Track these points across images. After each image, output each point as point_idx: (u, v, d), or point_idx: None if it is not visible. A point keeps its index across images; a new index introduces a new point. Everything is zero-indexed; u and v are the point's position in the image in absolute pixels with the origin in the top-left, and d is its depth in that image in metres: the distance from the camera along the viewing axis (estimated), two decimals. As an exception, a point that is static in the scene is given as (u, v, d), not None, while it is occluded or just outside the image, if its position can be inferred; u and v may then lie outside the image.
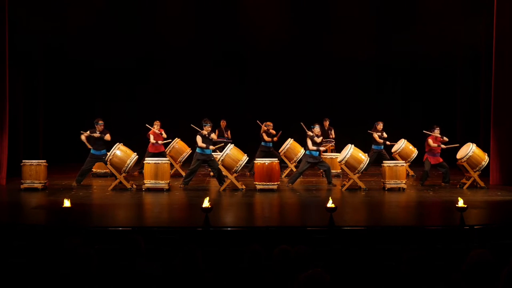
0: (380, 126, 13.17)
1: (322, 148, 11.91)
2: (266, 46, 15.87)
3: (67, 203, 7.48)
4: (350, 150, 11.36)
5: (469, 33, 14.05)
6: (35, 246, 6.60)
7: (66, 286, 3.97)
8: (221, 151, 11.58)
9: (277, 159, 11.60)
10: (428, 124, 16.54)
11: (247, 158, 11.36)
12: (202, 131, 11.39)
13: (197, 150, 11.47)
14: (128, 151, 11.45)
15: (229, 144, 11.66)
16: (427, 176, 11.85)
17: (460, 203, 7.62)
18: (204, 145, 11.32)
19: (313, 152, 11.64)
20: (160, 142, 13.24)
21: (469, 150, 11.43)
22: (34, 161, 11.19)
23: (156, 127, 13.34)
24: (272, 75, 16.39)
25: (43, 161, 11.28)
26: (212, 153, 11.50)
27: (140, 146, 13.06)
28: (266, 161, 11.24)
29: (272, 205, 9.88)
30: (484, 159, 11.41)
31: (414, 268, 3.95)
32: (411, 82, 16.84)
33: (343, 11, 15.68)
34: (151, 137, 13.14)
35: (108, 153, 11.31)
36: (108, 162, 11.32)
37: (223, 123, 14.64)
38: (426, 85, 16.69)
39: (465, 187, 11.41)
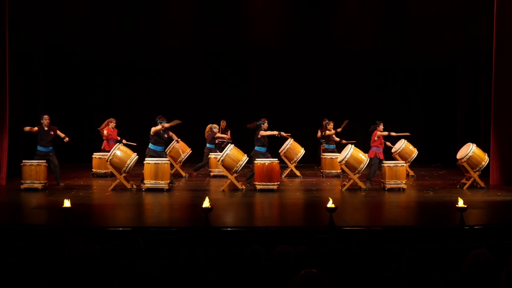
0: (330, 125, 13.74)
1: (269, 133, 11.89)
2: (266, 46, 15.90)
3: (67, 203, 7.48)
4: (350, 151, 11.36)
5: (469, 33, 14.05)
6: (35, 246, 6.60)
7: (68, 285, 3.97)
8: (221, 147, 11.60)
9: (277, 159, 11.59)
10: (428, 124, 16.64)
11: (247, 158, 11.36)
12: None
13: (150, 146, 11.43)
14: (128, 151, 11.46)
15: (229, 144, 11.67)
16: (375, 171, 11.88)
17: (460, 203, 7.63)
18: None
19: (259, 148, 11.69)
20: (110, 138, 13.29)
21: (469, 150, 11.42)
22: (34, 161, 11.19)
23: (111, 125, 13.36)
24: (272, 75, 16.39)
25: (43, 161, 11.28)
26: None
27: (141, 146, 13.04)
28: (266, 161, 11.24)
29: (272, 205, 9.88)
30: (484, 159, 11.40)
31: (414, 268, 3.95)
32: (411, 82, 16.85)
33: (343, 11, 15.69)
34: (105, 132, 13.22)
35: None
36: (108, 162, 11.34)
37: (223, 123, 14.63)
38: (426, 85, 16.70)
39: (465, 187, 11.41)
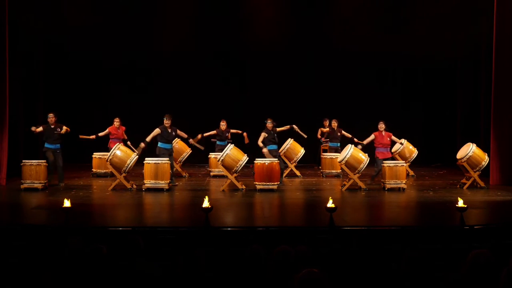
0: (334, 124, 13.92)
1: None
2: (267, 46, 15.89)
3: (67, 203, 7.48)
4: (350, 150, 11.36)
5: (469, 33, 14.05)
6: (35, 246, 6.59)
7: (68, 285, 3.97)
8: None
9: (277, 159, 11.59)
10: (428, 124, 16.64)
11: (247, 158, 11.37)
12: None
13: (159, 144, 11.59)
14: (128, 151, 11.47)
15: (229, 144, 11.67)
16: (378, 173, 11.95)
17: (460, 203, 7.63)
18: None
19: (269, 147, 11.70)
20: (115, 137, 13.30)
21: (469, 150, 11.42)
22: (34, 161, 11.19)
23: (116, 124, 13.40)
24: (272, 75, 16.39)
25: (43, 161, 11.29)
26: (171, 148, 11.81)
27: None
28: (266, 161, 11.24)
29: (272, 205, 9.87)
30: (484, 159, 11.40)
31: (414, 268, 3.95)
32: (412, 82, 16.85)
33: (343, 11, 15.68)
34: (108, 131, 13.30)
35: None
36: (108, 162, 11.35)
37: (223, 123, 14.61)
38: (426, 85, 16.70)
39: (465, 187, 11.41)
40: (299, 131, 12.89)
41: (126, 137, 13.39)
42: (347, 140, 13.63)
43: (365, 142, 12.05)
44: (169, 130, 11.67)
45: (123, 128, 13.64)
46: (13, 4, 12.06)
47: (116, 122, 13.50)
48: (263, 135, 11.72)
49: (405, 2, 15.49)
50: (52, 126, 11.64)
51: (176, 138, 13.69)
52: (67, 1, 14.70)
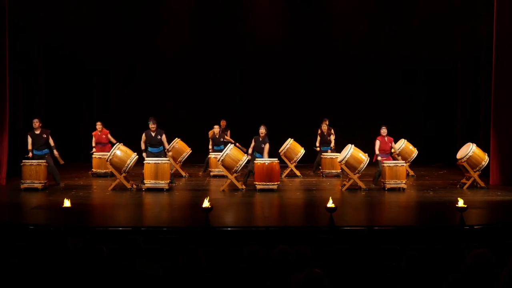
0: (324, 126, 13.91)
1: None
2: (266, 46, 15.89)
3: (67, 203, 7.49)
4: (350, 150, 11.37)
5: (469, 33, 14.05)
6: (35, 246, 6.60)
7: (67, 285, 3.97)
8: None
9: (277, 159, 11.58)
10: (428, 124, 16.63)
11: (247, 158, 11.37)
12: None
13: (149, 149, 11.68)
14: (128, 151, 11.47)
15: (229, 144, 11.68)
16: (379, 175, 11.85)
17: (460, 203, 7.64)
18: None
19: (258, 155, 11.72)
20: (97, 141, 13.62)
21: (469, 150, 11.42)
22: (34, 161, 11.18)
23: (98, 127, 13.53)
24: (272, 74, 16.37)
25: (43, 161, 11.27)
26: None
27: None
28: (266, 161, 11.24)
29: (272, 205, 9.88)
30: (484, 159, 11.40)
31: (414, 268, 3.95)
32: (411, 82, 16.83)
33: (343, 11, 15.67)
34: (93, 138, 13.64)
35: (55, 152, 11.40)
36: (108, 162, 11.35)
37: (223, 123, 14.61)
38: (426, 85, 16.69)
39: (465, 187, 11.41)
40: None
41: (114, 141, 13.15)
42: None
43: (377, 151, 11.81)
44: (153, 134, 11.56)
45: (106, 131, 13.65)
46: (13, 4, 12.06)
47: (98, 126, 13.54)
48: (252, 144, 11.78)
49: (405, 2, 15.47)
50: (37, 132, 11.45)
51: (176, 138, 13.71)
52: (67, 2, 14.71)
